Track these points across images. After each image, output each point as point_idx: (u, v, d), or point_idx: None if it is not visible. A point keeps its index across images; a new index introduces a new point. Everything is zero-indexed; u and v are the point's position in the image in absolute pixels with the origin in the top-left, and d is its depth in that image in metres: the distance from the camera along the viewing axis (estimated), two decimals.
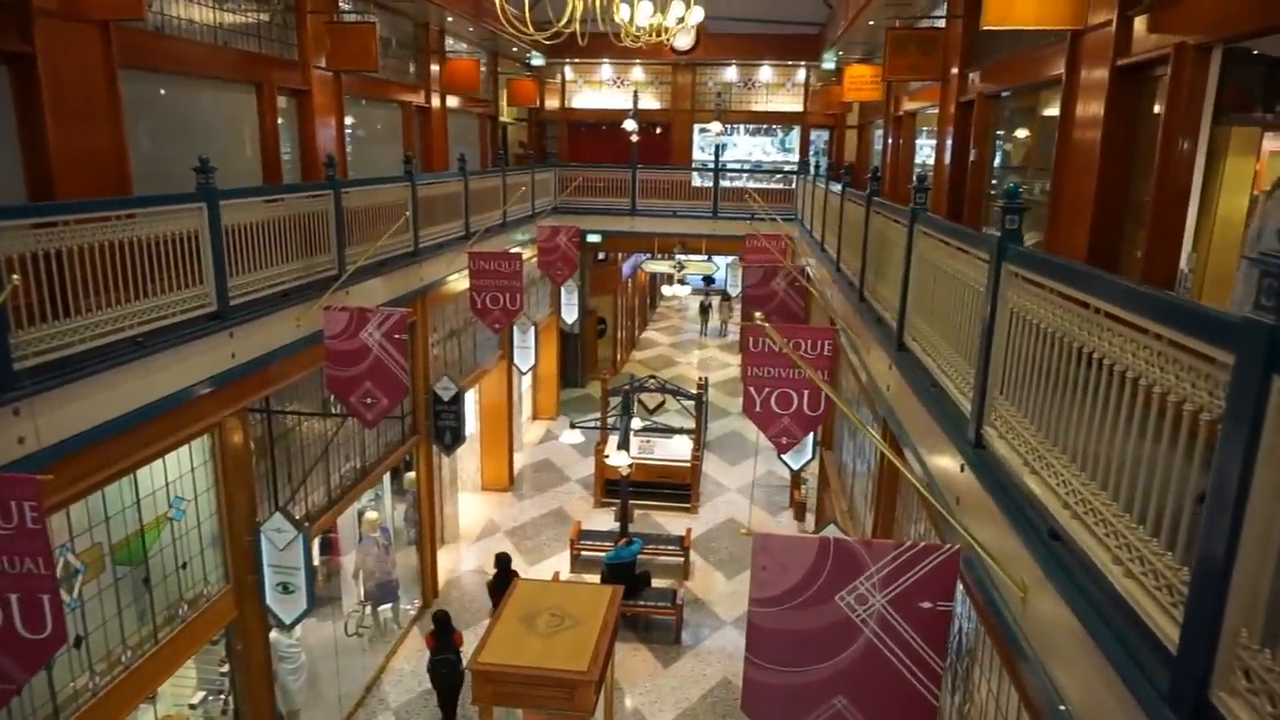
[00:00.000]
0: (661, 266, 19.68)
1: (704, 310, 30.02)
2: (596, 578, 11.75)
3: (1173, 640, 2.19)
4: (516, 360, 15.49)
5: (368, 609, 11.27)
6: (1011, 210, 3.81)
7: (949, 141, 10.27)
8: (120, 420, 5.28)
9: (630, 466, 11.81)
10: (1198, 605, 2.07)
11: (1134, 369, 2.54)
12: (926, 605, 3.48)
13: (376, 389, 7.71)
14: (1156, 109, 5.38)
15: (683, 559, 13.08)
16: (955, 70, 10.06)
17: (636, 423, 14.28)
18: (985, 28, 6.38)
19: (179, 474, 6.65)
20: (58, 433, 4.72)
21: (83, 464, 5.14)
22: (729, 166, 20.33)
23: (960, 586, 3.90)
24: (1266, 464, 1.91)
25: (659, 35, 9.87)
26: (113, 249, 5.26)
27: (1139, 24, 5.48)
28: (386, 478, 11.72)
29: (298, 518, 7.48)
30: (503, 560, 11.31)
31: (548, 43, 8.70)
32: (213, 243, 6.26)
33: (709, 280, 28.44)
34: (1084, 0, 6.08)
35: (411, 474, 12.31)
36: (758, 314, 5.19)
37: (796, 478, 14.74)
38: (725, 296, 30.61)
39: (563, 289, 17.87)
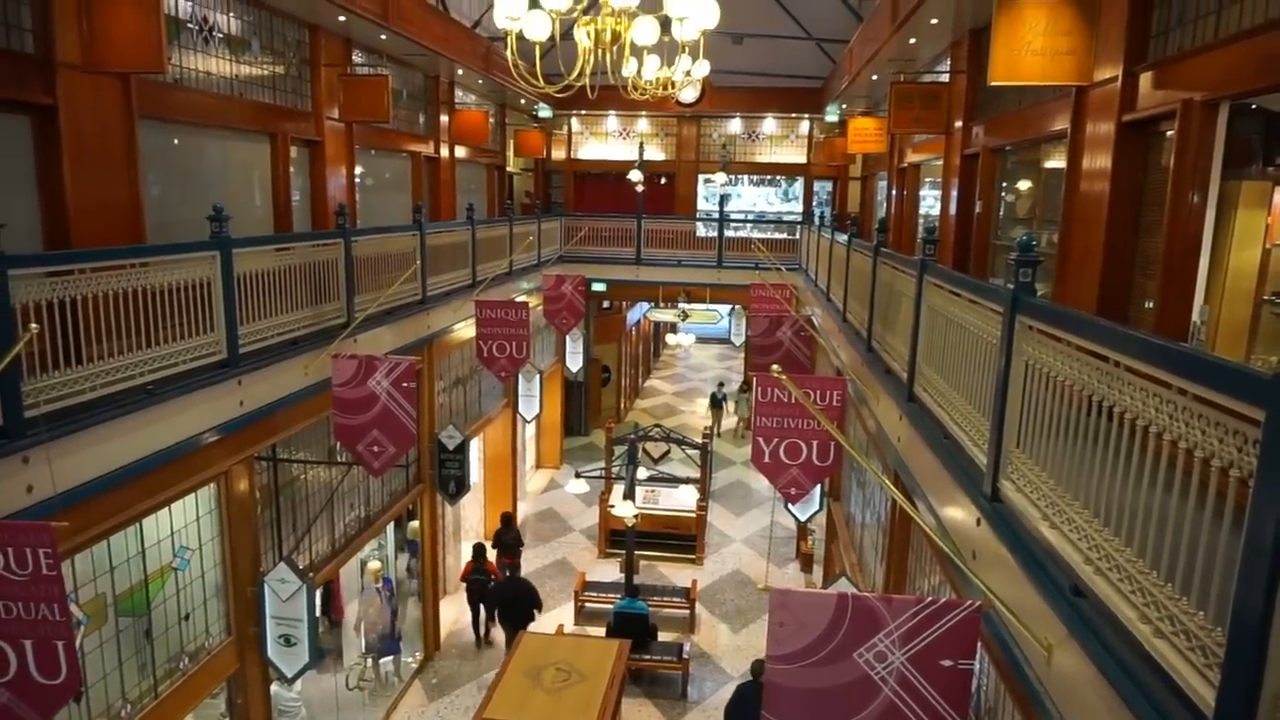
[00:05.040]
0: (666, 315, 19.74)
1: (716, 404, 23.07)
2: (601, 630, 11.57)
3: (1208, 704, 2.14)
4: (521, 408, 15.45)
5: (369, 661, 11.08)
6: (1025, 263, 3.80)
7: (954, 193, 10.37)
8: (128, 469, 5.25)
9: (636, 517, 11.70)
10: (1235, 667, 2.02)
11: (1157, 423, 2.52)
12: (947, 663, 3.41)
13: (384, 437, 7.68)
14: (1165, 162, 5.43)
15: (688, 611, 12.89)
16: (959, 123, 10.20)
17: (641, 472, 14.19)
18: (992, 84, 6.47)
19: (184, 523, 6.59)
20: (66, 481, 4.69)
21: (89, 513, 5.09)
22: (733, 217, 20.52)
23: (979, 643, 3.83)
24: None
25: (666, 89, 10.02)
26: (126, 296, 5.29)
27: (1144, 80, 5.56)
28: (390, 527, 11.62)
29: (301, 568, 7.40)
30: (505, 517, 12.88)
31: (557, 95, 8.83)
32: (225, 291, 6.30)
33: (723, 340, 25.70)
34: (1089, 56, 6.18)
35: (415, 523, 12.20)
36: (775, 366, 5.17)
37: (803, 529, 14.60)
38: (745, 386, 21.90)
39: (568, 337, 17.90)
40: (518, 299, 13.03)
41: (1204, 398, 2.29)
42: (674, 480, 15.87)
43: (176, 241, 6.53)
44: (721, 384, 24.34)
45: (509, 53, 5.77)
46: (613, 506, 12.58)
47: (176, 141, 8.61)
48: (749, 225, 20.26)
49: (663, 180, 21.66)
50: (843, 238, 10.04)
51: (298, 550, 8.11)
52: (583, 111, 21.51)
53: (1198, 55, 4.95)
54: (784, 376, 4.77)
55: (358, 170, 12.29)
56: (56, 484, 4.56)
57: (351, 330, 8.19)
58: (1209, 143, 4.82)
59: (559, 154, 22.16)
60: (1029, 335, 3.59)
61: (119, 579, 5.89)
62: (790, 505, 8.34)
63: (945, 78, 10.90)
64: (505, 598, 11.59)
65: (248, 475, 7.14)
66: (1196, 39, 5.02)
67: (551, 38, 5.61)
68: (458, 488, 11.61)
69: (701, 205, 21.70)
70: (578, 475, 13.39)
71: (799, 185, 22.00)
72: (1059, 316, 3.33)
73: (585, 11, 5.96)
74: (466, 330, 11.88)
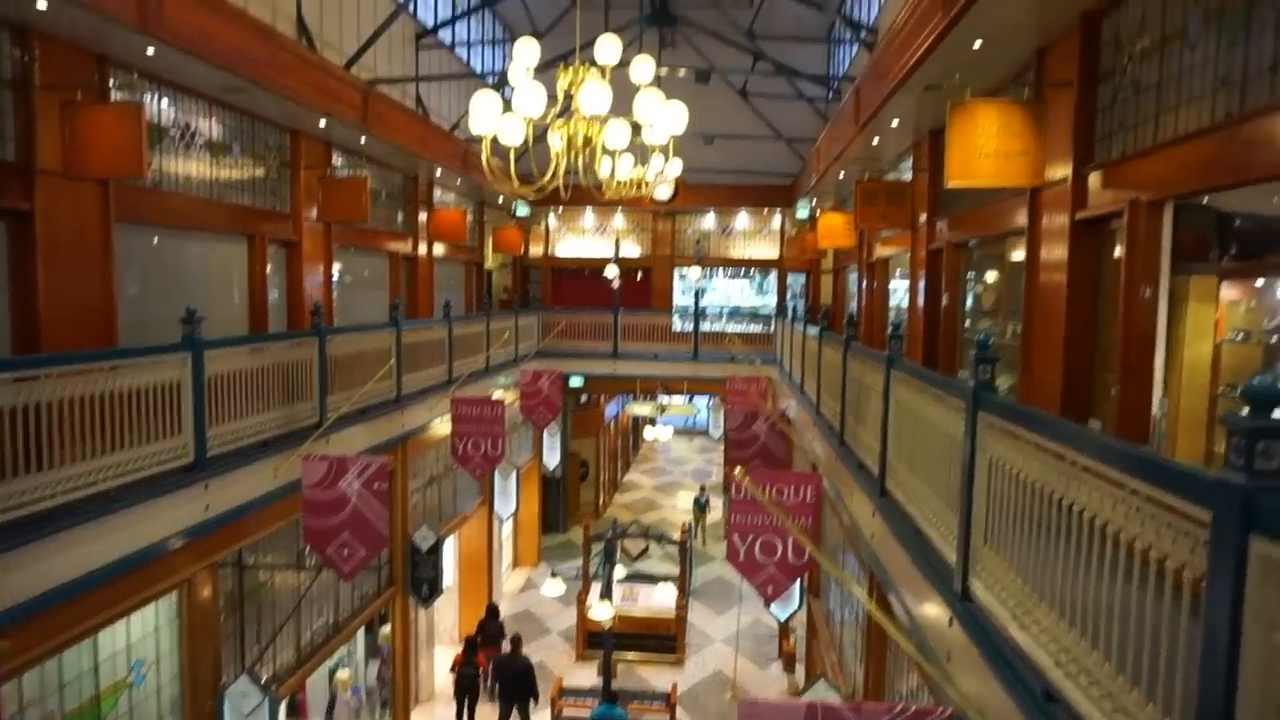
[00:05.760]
0: (645, 409, 19.74)
1: (699, 507, 21.99)
2: None
3: None
4: (497, 506, 15.24)
5: None
6: (984, 360, 3.87)
7: (921, 287, 10.58)
8: (85, 580, 5.10)
9: (613, 618, 11.43)
10: None
11: (1114, 523, 2.53)
12: None
13: (355, 539, 7.53)
14: (1117, 258, 5.60)
15: (668, 718, 12.47)
16: (924, 219, 10.48)
17: (619, 571, 13.94)
18: (948, 185, 6.69)
19: (141, 634, 6.36)
20: (15, 595, 4.54)
21: (41, 628, 4.91)
22: (708, 310, 20.78)
23: None
24: (1255, 623, 1.88)
25: (639, 189, 10.31)
26: (93, 400, 5.24)
27: (1093, 180, 5.78)
28: (360, 633, 11.27)
29: (265, 679, 7.14)
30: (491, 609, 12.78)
31: (531, 198, 9.05)
32: (194, 394, 6.25)
33: (703, 432, 25.49)
34: (1040, 158, 6.42)
35: (386, 628, 11.85)
36: (739, 469, 5.16)
37: (785, 627, 14.30)
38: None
39: (545, 432, 17.81)
40: (495, 395, 13.02)
41: (1155, 498, 2.31)
42: (652, 579, 15.58)
43: (151, 343, 6.50)
44: (704, 487, 23.57)
45: (484, 157, 5.92)
46: (589, 607, 12.30)
47: (154, 242, 8.69)
48: (724, 319, 20.52)
49: (639, 275, 22.00)
50: (814, 330, 10.17)
51: (261, 660, 7.83)
52: (560, 209, 21.97)
53: (1140, 158, 5.17)
54: (747, 479, 4.74)
55: (336, 268, 12.41)
56: (7, 599, 4.41)
57: (324, 430, 8.12)
58: (1156, 240, 4.99)
59: (537, 250, 22.53)
60: (991, 432, 3.62)
61: (69, 696, 5.64)
62: (769, 604, 8.21)
63: (909, 175, 11.28)
64: (504, 674, 11.84)
65: (211, 583, 6.96)
66: (1138, 143, 5.25)
67: (525, 141, 5.77)
68: (431, 590, 11.34)
69: (678, 299, 22.00)
70: (553, 575, 13.14)
71: (773, 278, 22.41)
72: (1016, 414, 3.36)
73: (559, 116, 6.17)
74: (442, 427, 11.81)
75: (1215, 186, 4.44)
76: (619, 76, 5.87)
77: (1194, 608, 2.10)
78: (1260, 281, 4.37)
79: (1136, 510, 2.40)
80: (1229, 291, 4.51)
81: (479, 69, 19.43)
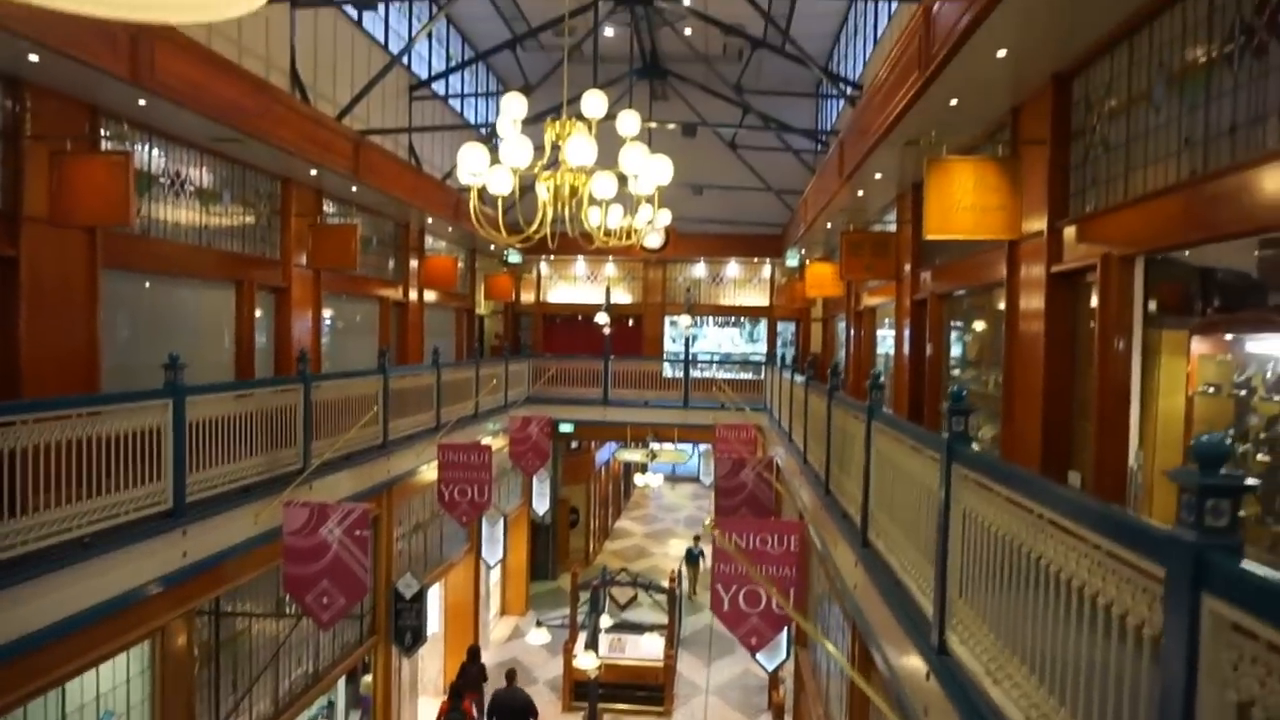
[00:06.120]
0: (635, 455, 19.69)
1: (692, 560, 21.18)
2: None
3: None
4: (484, 553, 15.10)
5: None
6: (958, 411, 3.90)
7: (906, 336, 10.67)
8: (54, 628, 5.02)
9: (599, 668, 11.27)
10: None
11: (1079, 577, 2.53)
12: None
13: (334, 587, 7.45)
14: (1094, 308, 5.68)
15: None
16: (909, 269, 10.61)
17: (606, 619, 13.78)
18: (926, 238, 6.79)
19: (112, 684, 6.25)
20: None
21: (6, 677, 4.83)
22: (699, 357, 20.86)
23: None
24: (1209, 681, 1.88)
25: (628, 237, 10.43)
26: (71, 445, 5.21)
27: (1068, 234, 5.88)
28: (341, 682, 11.08)
29: None
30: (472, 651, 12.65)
31: (520, 245, 9.14)
32: (175, 440, 6.23)
33: (694, 479, 25.23)
34: (1017, 213, 6.54)
35: (368, 678, 11.66)
36: (707, 521, 5.15)
37: (775, 678, 14.10)
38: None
39: (535, 478, 17.72)
40: (483, 441, 12.97)
41: (1115, 553, 2.32)
42: (639, 628, 15.39)
43: (137, 388, 6.51)
44: (697, 537, 22.68)
45: (471, 207, 6.01)
46: (576, 657, 12.13)
47: (142, 288, 8.73)
48: (714, 366, 20.58)
49: (630, 322, 22.12)
50: (800, 378, 10.21)
51: (237, 711, 7.69)
52: (552, 256, 22.15)
53: (1111, 214, 5.27)
54: (716, 531, 4.73)
55: (326, 314, 12.46)
56: None
57: (306, 476, 8.08)
58: (1128, 294, 5.07)
59: (529, 297, 22.66)
60: (965, 484, 3.63)
61: None
62: (754, 654, 8.11)
63: (894, 227, 11.43)
64: (503, 710, 11.89)
65: (186, 631, 6.86)
66: (1109, 199, 5.36)
67: (513, 191, 5.85)
68: (414, 639, 11.17)
69: (668, 346, 22.09)
70: (538, 624, 12.99)
71: (763, 326, 22.54)
72: (985, 466, 3.39)
73: (546, 168, 6.28)
74: (430, 473, 11.75)
75: (1182, 243, 4.53)
76: (608, 129, 5.99)
77: (1155, 665, 2.10)
78: (1229, 336, 4.43)
79: (1099, 565, 2.41)
80: (1199, 345, 4.57)
81: (473, 119, 19.74)
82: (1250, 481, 1.96)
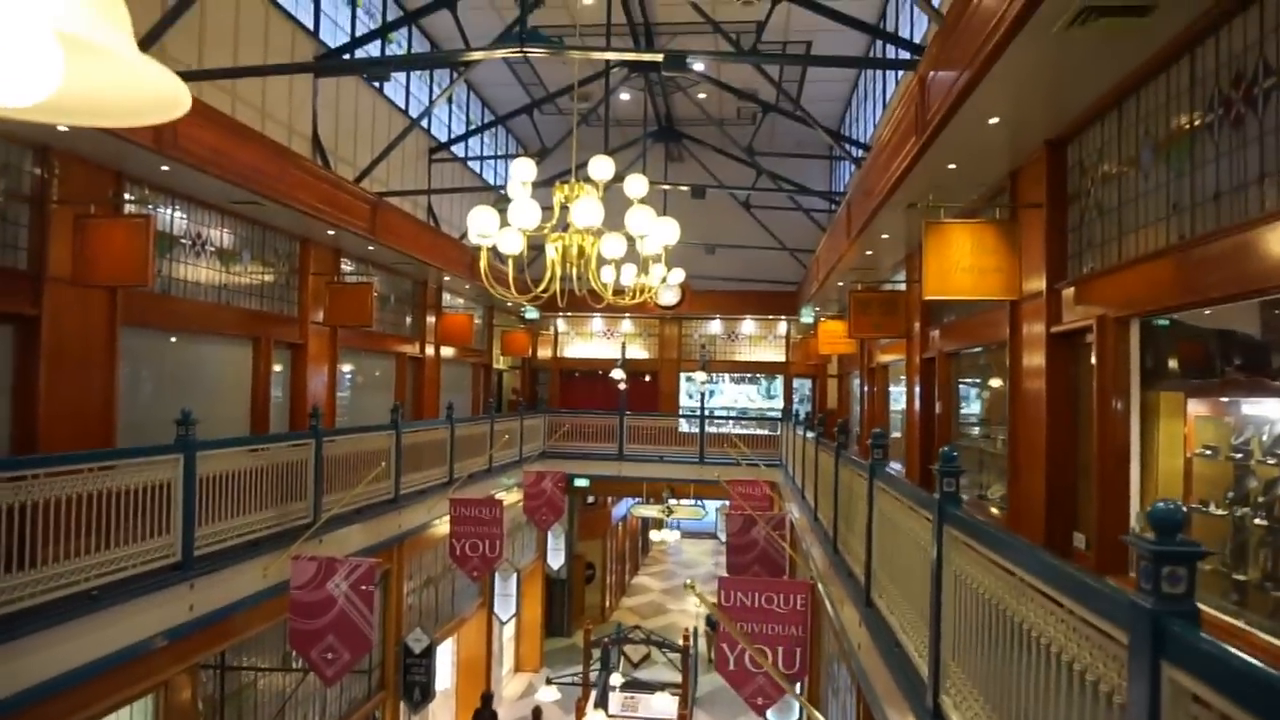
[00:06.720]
0: (651, 511, 19.61)
1: (713, 626, 18.97)
2: None
3: None
4: (497, 608, 15.02)
5: None
6: (948, 472, 3.92)
7: (917, 393, 10.67)
8: (57, 681, 5.06)
9: None
10: None
11: (1056, 642, 2.54)
12: None
13: (339, 643, 7.45)
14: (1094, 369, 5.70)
15: None
16: (918, 328, 10.65)
17: (618, 677, 13.60)
18: (925, 298, 6.86)
19: None
20: None
21: None
22: (715, 413, 20.86)
23: None
24: None
25: (642, 294, 10.57)
26: (82, 499, 5.32)
27: (1066, 296, 5.93)
28: None
29: None
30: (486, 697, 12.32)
31: (530, 303, 9.30)
32: (184, 495, 6.32)
33: (712, 535, 24.98)
34: (1016, 274, 6.60)
35: None
36: (688, 581, 5.15)
37: None
38: None
39: (549, 533, 17.67)
40: (497, 495, 13.01)
41: (1086, 618, 2.33)
42: (651, 687, 15.14)
43: (152, 443, 6.63)
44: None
45: (481, 265, 6.16)
46: (586, 716, 11.97)
47: (160, 344, 8.94)
48: (730, 422, 20.57)
49: (646, 378, 22.21)
50: (810, 435, 10.21)
51: None
52: (568, 313, 22.37)
53: (1106, 276, 5.33)
54: (704, 596, 4.73)
55: (344, 369, 12.65)
56: None
57: (316, 530, 8.14)
58: (1125, 355, 5.09)
59: (545, 352, 22.86)
60: (956, 545, 3.64)
61: None
62: (761, 715, 7.98)
63: (904, 285, 11.51)
64: None
65: (191, 685, 6.88)
66: (1104, 261, 5.42)
67: (522, 252, 6.01)
68: (423, 695, 11.10)
69: (684, 402, 22.13)
70: (548, 681, 12.85)
71: (779, 382, 22.55)
72: (969, 526, 3.40)
73: (556, 229, 6.44)
74: (442, 528, 11.77)
75: (1174, 306, 4.57)
76: (621, 190, 6.17)
77: None
78: (1225, 399, 4.44)
79: (1074, 631, 2.42)
80: (1196, 407, 4.58)
81: (491, 180, 20.17)
82: (1203, 549, 1.99)
